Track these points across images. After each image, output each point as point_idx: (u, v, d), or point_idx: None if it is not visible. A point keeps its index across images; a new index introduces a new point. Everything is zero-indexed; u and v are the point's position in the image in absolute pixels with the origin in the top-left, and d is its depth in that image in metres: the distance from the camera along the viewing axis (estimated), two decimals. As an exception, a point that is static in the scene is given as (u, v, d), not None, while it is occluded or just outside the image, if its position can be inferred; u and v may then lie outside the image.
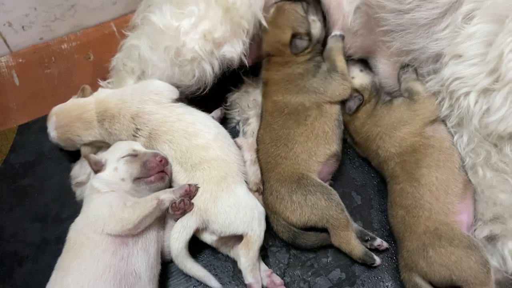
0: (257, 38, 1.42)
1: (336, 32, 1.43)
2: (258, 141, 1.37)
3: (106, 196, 1.19)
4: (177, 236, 1.20)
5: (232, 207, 1.21)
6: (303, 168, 1.28)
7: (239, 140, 1.42)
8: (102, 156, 1.30)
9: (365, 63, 1.45)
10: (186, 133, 1.30)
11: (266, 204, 1.29)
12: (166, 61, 1.34)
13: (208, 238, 1.25)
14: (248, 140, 1.41)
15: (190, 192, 1.22)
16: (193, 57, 1.32)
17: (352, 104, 1.37)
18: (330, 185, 1.34)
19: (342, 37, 1.42)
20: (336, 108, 1.36)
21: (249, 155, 1.38)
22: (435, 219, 1.17)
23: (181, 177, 1.28)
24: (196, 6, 1.31)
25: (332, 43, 1.42)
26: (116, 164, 1.25)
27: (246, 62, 1.37)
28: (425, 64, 1.31)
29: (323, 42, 1.43)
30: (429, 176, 1.21)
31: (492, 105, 1.12)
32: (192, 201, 1.22)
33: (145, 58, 1.37)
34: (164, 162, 1.24)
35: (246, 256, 1.19)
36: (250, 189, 1.31)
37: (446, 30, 1.21)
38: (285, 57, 1.38)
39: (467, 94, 1.17)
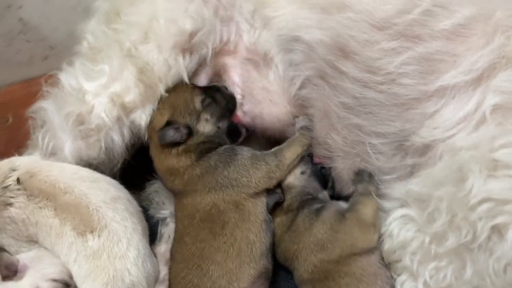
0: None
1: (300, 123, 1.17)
2: (171, 255, 1.08)
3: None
4: None
5: None
6: (220, 300, 0.98)
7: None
8: (20, 258, 1.01)
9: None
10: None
11: None
12: (66, 131, 1.09)
13: None
14: (161, 248, 1.14)
15: None
16: (98, 125, 1.08)
17: (270, 200, 1.08)
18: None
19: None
20: (261, 204, 1.06)
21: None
22: None
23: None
24: (109, 64, 1.08)
25: (297, 135, 1.16)
26: (40, 283, 0.97)
27: None
28: (402, 155, 1.02)
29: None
30: None
31: None
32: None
33: (50, 127, 1.12)
34: None
35: None
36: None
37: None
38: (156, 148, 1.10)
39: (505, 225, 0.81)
